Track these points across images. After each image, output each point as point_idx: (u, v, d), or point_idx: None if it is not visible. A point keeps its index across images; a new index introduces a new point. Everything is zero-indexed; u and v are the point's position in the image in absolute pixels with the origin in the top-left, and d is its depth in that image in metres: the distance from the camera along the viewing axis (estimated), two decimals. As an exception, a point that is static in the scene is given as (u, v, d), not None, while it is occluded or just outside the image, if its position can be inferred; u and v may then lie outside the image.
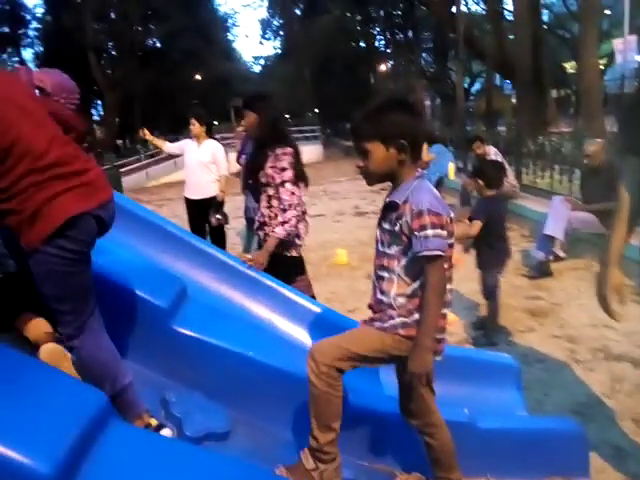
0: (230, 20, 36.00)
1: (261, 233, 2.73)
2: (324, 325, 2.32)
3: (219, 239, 4.97)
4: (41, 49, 29.54)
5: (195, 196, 4.86)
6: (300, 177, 2.63)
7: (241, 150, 5.43)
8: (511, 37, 17.40)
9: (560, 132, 13.41)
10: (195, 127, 4.76)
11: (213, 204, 4.82)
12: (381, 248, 1.65)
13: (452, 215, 1.60)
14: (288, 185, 2.57)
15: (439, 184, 9.25)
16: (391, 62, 30.22)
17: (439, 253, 1.50)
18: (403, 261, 1.59)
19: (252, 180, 2.72)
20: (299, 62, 31.14)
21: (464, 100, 20.55)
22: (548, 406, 2.59)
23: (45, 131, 1.52)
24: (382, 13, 29.54)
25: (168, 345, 1.92)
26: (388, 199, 1.63)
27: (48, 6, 28.28)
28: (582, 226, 4.49)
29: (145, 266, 2.17)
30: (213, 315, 2.08)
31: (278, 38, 34.69)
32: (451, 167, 8.70)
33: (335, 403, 1.62)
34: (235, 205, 5.93)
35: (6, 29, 28.27)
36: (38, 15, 29.31)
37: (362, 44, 33.14)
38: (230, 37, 37.95)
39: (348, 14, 30.32)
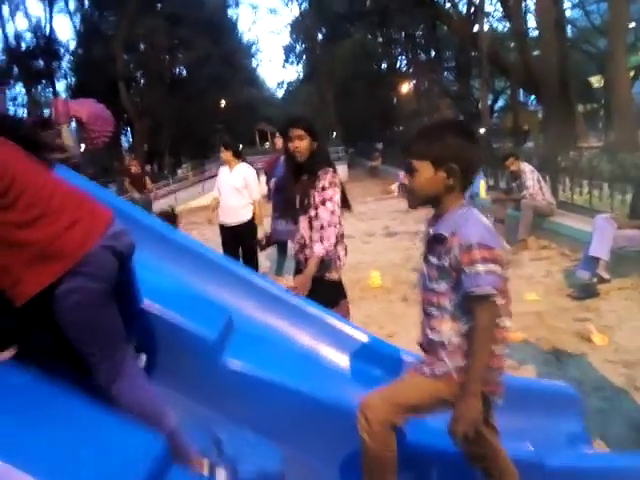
0: (254, 47, 36.83)
1: (301, 256, 2.67)
2: (371, 354, 2.24)
3: (252, 264, 4.97)
4: (73, 80, 30.59)
5: (230, 221, 4.89)
6: (342, 200, 2.58)
7: (271, 173, 5.47)
8: (535, 53, 17.31)
9: (590, 147, 13.18)
10: (224, 154, 4.90)
11: (248, 230, 4.86)
12: (429, 284, 1.53)
13: (506, 246, 1.49)
14: (329, 204, 2.53)
15: (470, 203, 9.15)
16: (413, 82, 30.30)
17: (491, 291, 1.38)
18: (455, 298, 1.47)
19: (290, 203, 2.67)
20: (322, 85, 31.52)
21: (488, 117, 20.45)
22: (611, 439, 2.43)
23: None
24: (403, 34, 29.75)
25: (217, 379, 1.84)
26: (433, 231, 1.52)
27: (80, 39, 29.37)
28: (629, 244, 4.31)
29: (189, 295, 2.11)
30: (260, 346, 2.01)
31: (301, 62, 35.27)
32: (482, 185, 8.56)
33: (390, 460, 1.53)
34: (263, 228, 5.94)
35: (41, 63, 29.42)
36: (71, 48, 30.45)
37: (384, 65, 33.42)
38: (254, 63, 38.80)
39: (370, 37, 30.69)
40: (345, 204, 2.65)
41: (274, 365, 1.90)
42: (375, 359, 2.21)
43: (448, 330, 1.48)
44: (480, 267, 1.37)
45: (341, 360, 2.22)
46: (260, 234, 5.02)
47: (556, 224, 6.30)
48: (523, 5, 18.90)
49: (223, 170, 5.00)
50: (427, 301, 1.55)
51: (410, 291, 4.95)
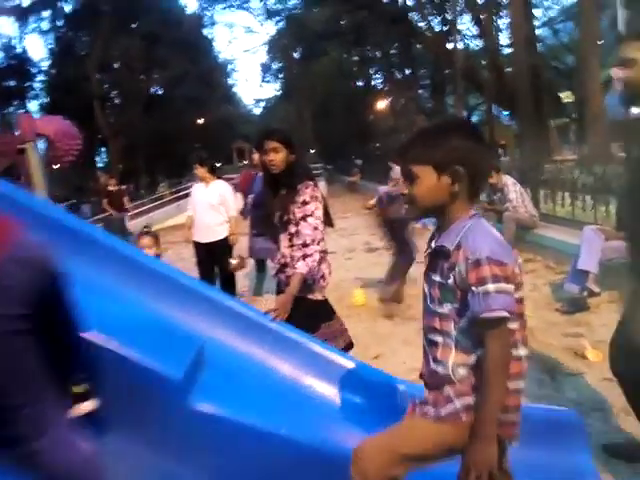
0: (230, 65, 36.87)
1: (282, 276, 2.48)
2: (359, 384, 2.03)
3: (229, 284, 4.77)
4: (46, 100, 30.08)
5: (205, 239, 4.70)
6: (324, 215, 2.40)
7: (247, 189, 5.32)
8: (508, 69, 17.64)
9: (565, 159, 13.35)
10: (199, 170, 4.71)
11: (224, 249, 4.67)
12: (431, 305, 1.32)
13: (520, 262, 1.27)
14: (310, 220, 2.35)
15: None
16: (390, 99, 30.59)
17: (504, 314, 1.17)
18: (461, 322, 1.26)
19: (268, 220, 2.48)
20: (299, 103, 31.63)
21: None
22: (619, 466, 2.25)
23: None
24: (379, 53, 30.10)
25: (185, 426, 1.59)
26: (435, 243, 1.33)
27: (54, 58, 28.97)
28: (618, 255, 4.21)
29: (152, 325, 1.85)
30: (235, 381, 1.78)
31: (278, 80, 35.42)
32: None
33: None
34: (239, 246, 5.74)
35: (12, 82, 28.87)
36: (43, 68, 29.98)
37: (361, 83, 33.72)
38: (230, 81, 38.82)
39: (345, 55, 30.98)
40: (327, 220, 2.47)
41: (251, 404, 1.67)
42: (364, 389, 2.01)
43: (454, 361, 1.27)
44: (490, 286, 1.17)
45: (326, 391, 2.00)
46: (235, 253, 4.83)
47: (539, 236, 6.22)
48: (496, 23, 19.29)
49: (198, 187, 4.81)
50: (429, 326, 1.34)
51: (395, 309, 4.78)
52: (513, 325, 1.23)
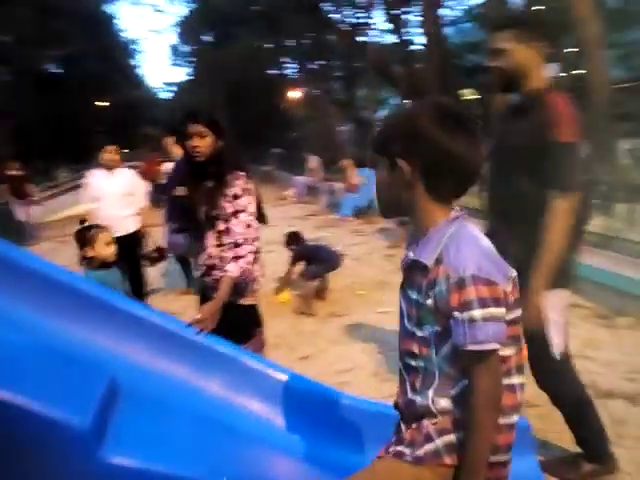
0: (136, 45, 34.79)
1: (209, 279, 2.17)
2: (299, 400, 1.82)
3: (139, 281, 4.35)
4: None
5: (117, 233, 4.19)
6: (257, 212, 2.12)
7: (171, 179, 4.92)
8: (418, 65, 18.17)
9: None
10: (108, 155, 4.16)
11: (136, 243, 4.25)
12: (409, 326, 1.12)
13: (514, 276, 1.05)
14: (242, 216, 2.07)
15: (369, 208, 9.10)
16: (304, 89, 30.41)
17: (492, 346, 0.98)
18: (444, 348, 1.05)
19: (192, 215, 2.16)
20: (210, 88, 30.50)
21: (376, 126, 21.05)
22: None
23: None
24: (293, 42, 29.76)
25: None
26: (411, 255, 1.10)
27: None
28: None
29: (48, 355, 1.44)
30: (156, 414, 1.46)
31: (188, 64, 33.91)
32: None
33: None
34: (152, 239, 5.28)
35: None
36: None
37: (274, 71, 33.21)
38: (136, 63, 36.69)
39: (259, 42, 30.28)
40: (260, 216, 2.19)
41: (176, 443, 1.37)
42: (308, 408, 1.79)
43: (435, 391, 1.07)
44: (476, 312, 0.97)
45: (262, 411, 1.76)
46: (149, 245, 4.40)
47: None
48: (408, 18, 19.74)
49: (100, 175, 4.22)
50: (406, 349, 1.13)
51: (317, 305, 4.61)
52: (507, 352, 1.06)
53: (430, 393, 1.07)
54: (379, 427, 1.77)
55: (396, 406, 1.19)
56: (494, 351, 0.99)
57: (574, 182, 1.84)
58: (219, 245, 2.11)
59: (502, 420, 1.04)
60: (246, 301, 2.17)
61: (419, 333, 1.08)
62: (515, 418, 1.09)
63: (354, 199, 9.27)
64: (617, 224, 4.59)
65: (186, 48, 32.59)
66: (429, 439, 1.06)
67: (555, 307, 1.94)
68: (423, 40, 16.14)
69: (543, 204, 1.85)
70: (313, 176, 11.81)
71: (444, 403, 1.06)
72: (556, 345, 1.99)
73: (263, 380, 1.83)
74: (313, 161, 11.90)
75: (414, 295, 1.08)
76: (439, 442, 1.05)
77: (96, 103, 29.41)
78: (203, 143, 2.05)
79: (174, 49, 32.72)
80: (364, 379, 3.18)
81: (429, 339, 1.06)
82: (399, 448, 1.10)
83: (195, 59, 32.62)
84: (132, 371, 1.60)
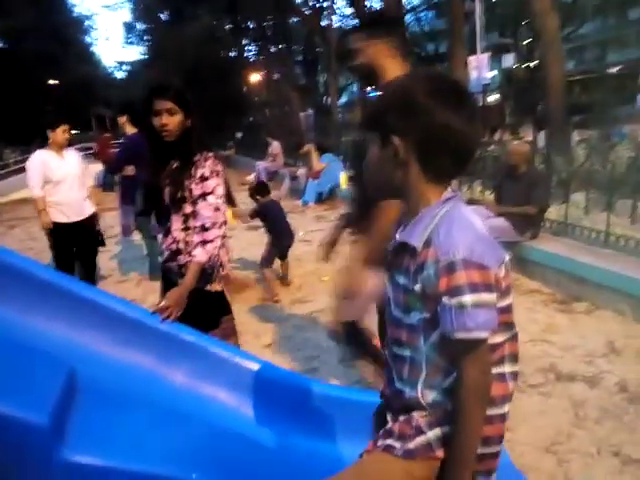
0: (88, 22, 33.21)
1: (173, 265, 2.07)
2: (271, 389, 1.76)
3: (91, 267, 4.24)
4: None
5: (75, 217, 3.99)
6: (226, 196, 2.02)
7: (119, 158, 4.79)
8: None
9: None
10: (60, 137, 3.90)
11: (92, 226, 4.14)
12: (395, 312, 1.05)
13: (507, 259, 1.00)
14: (211, 198, 1.96)
15: (332, 194, 9.06)
16: (263, 73, 29.90)
17: (482, 335, 0.92)
18: (433, 336, 0.99)
19: (155, 197, 2.05)
20: (167, 68, 29.54)
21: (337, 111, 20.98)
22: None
23: None
24: (253, 24, 29.15)
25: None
26: (398, 236, 1.04)
27: None
28: (497, 235, 4.39)
29: (0, 345, 1.35)
30: (118, 409, 1.37)
31: (143, 43, 32.67)
32: (343, 176, 8.52)
33: None
34: (104, 223, 5.07)
35: None
36: None
37: (233, 53, 32.46)
38: (88, 40, 35.08)
39: (217, 22, 29.47)
40: (229, 199, 2.10)
41: (140, 438, 1.29)
42: (273, 394, 1.74)
43: (424, 382, 1.01)
44: (466, 298, 0.90)
45: (231, 401, 1.70)
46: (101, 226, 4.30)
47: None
48: (369, 4, 19.65)
49: (50, 157, 3.89)
50: (393, 337, 1.07)
51: (281, 291, 4.55)
52: (499, 338, 1.01)
53: (419, 385, 1.02)
54: (350, 414, 1.75)
55: (383, 396, 1.14)
56: (484, 340, 0.94)
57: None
58: (185, 229, 2.01)
59: (493, 411, 1.01)
60: (213, 287, 2.08)
61: (407, 320, 1.03)
62: (506, 408, 1.05)
63: (316, 185, 9.22)
64: (574, 212, 4.71)
65: (141, 26, 31.39)
66: (420, 432, 1.01)
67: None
68: (385, 26, 16.12)
69: None
70: (275, 161, 11.64)
71: (434, 396, 1.01)
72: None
73: (231, 369, 1.77)
74: (275, 146, 11.72)
75: (402, 280, 1.02)
76: (431, 434, 1.01)
77: (45, 81, 28.01)
78: (172, 121, 1.93)
79: (128, 27, 31.46)
80: (332, 365, 3.16)
81: (417, 327, 1.01)
82: (388, 441, 1.05)
83: (150, 37, 31.47)
84: (93, 362, 1.49)
